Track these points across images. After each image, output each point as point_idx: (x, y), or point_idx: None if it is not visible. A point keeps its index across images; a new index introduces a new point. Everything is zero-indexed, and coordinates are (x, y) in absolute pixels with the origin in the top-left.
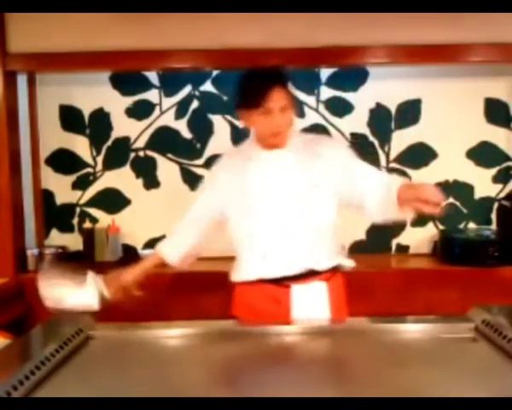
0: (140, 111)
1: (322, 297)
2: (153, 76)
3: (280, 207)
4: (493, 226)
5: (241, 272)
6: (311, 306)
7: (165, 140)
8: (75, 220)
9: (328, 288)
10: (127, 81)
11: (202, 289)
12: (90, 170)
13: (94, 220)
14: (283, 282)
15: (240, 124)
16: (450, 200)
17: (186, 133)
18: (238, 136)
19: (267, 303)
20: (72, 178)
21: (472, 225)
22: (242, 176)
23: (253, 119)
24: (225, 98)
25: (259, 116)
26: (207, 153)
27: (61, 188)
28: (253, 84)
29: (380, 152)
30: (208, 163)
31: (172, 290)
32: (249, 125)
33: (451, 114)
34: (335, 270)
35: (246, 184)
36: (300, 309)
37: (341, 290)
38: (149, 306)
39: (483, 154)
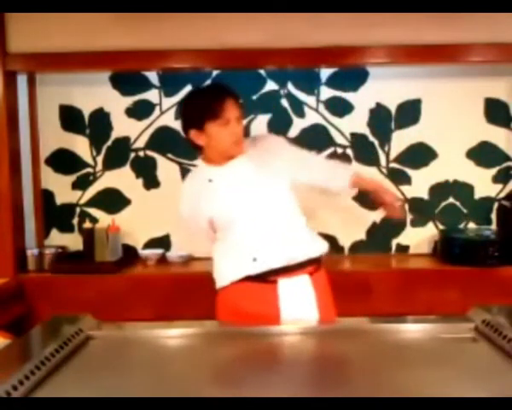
0: (140, 111)
1: (307, 291)
2: (153, 76)
3: (256, 211)
4: (493, 226)
5: (226, 275)
6: (298, 301)
7: (165, 140)
8: (75, 220)
9: (313, 282)
10: (127, 81)
11: (202, 290)
12: (90, 170)
13: (94, 220)
14: (269, 277)
15: (195, 144)
16: (451, 200)
17: None
18: None
19: (254, 303)
20: (72, 178)
21: (472, 225)
22: (209, 196)
23: (212, 131)
24: None
25: (219, 127)
26: None
27: (61, 188)
28: (206, 98)
29: (380, 152)
30: None
31: (172, 290)
32: (207, 142)
33: (451, 114)
34: (317, 263)
35: (215, 202)
36: (288, 305)
37: (326, 285)
38: (149, 306)
39: (483, 154)
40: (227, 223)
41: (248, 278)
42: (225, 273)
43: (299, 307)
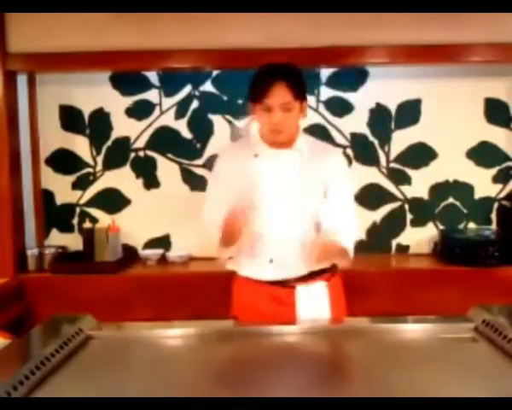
0: (140, 111)
1: (323, 297)
2: (153, 76)
3: (285, 210)
4: (493, 226)
5: (247, 270)
6: (314, 306)
7: (165, 140)
8: (75, 220)
9: (329, 288)
10: (127, 81)
11: (202, 290)
12: (90, 170)
13: (94, 220)
14: (287, 283)
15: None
16: (451, 200)
17: (186, 133)
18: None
19: (270, 304)
20: (72, 178)
21: (472, 225)
22: (248, 172)
23: (257, 113)
24: (225, 98)
25: (260, 111)
26: (207, 153)
27: (61, 188)
28: (258, 78)
29: (380, 152)
30: (208, 163)
31: (172, 290)
32: (256, 119)
33: (451, 114)
34: (335, 270)
35: (251, 181)
36: (304, 309)
37: (341, 290)
38: (149, 306)
39: (483, 154)
40: (250, 209)
41: (266, 282)
42: (241, 263)
43: (315, 312)
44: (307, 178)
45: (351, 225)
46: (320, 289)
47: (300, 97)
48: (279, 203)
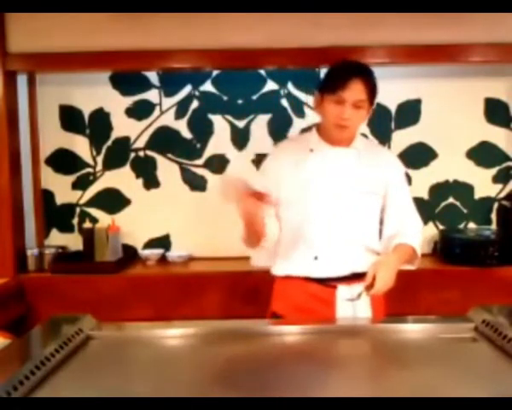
0: (140, 111)
1: (365, 299)
2: (153, 76)
3: (335, 208)
4: (493, 226)
5: (289, 268)
6: (355, 307)
7: (165, 140)
8: (75, 220)
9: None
10: (127, 81)
11: (202, 290)
12: (90, 170)
13: (94, 220)
14: (329, 282)
15: (313, 108)
16: (451, 200)
17: (186, 133)
18: (238, 136)
19: (312, 302)
20: (72, 178)
21: (472, 225)
22: (302, 165)
23: (325, 105)
24: (225, 98)
25: (331, 103)
26: (207, 153)
27: (61, 188)
28: (337, 71)
29: None
30: (208, 163)
31: (172, 290)
32: (321, 111)
33: (451, 114)
34: None
35: (304, 175)
36: (345, 310)
37: (382, 297)
38: (149, 306)
39: (483, 154)
40: (299, 204)
41: (309, 278)
42: (285, 266)
43: (355, 313)
44: (365, 178)
45: (416, 225)
46: (356, 292)
47: (371, 100)
48: (331, 200)
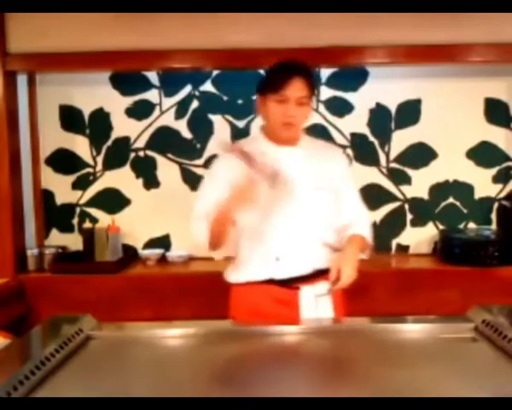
0: (140, 111)
1: (326, 299)
2: (153, 76)
3: (291, 207)
4: (493, 226)
5: (250, 273)
6: (318, 307)
7: (165, 140)
8: (75, 220)
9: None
10: (127, 81)
11: (202, 290)
12: (90, 170)
13: (94, 220)
14: (292, 284)
15: (256, 111)
16: (451, 200)
17: (186, 133)
18: (238, 136)
19: (275, 306)
20: (72, 178)
21: (472, 225)
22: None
23: (268, 105)
24: (225, 98)
25: (275, 102)
26: (207, 153)
27: (61, 188)
28: (276, 71)
29: (380, 152)
30: (208, 163)
31: (172, 290)
32: (264, 113)
33: (451, 114)
34: None
35: (255, 179)
36: (308, 311)
37: (341, 292)
38: (149, 306)
39: (483, 154)
40: (256, 209)
41: (271, 281)
42: (246, 271)
43: (318, 313)
44: (315, 175)
45: (364, 216)
46: (323, 290)
47: (312, 96)
48: (285, 201)
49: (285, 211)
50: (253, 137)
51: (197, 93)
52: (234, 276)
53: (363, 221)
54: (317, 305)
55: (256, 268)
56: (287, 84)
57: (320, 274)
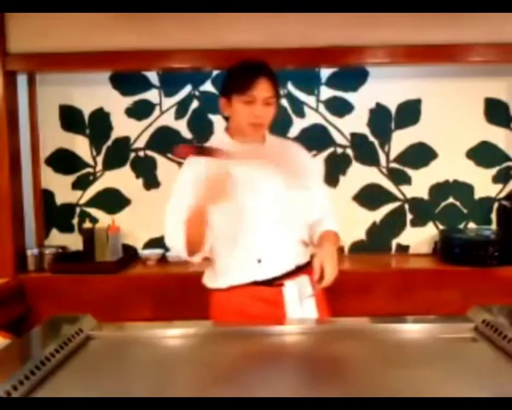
0: (140, 111)
1: (308, 292)
2: (153, 76)
3: (267, 207)
4: (493, 226)
5: (230, 278)
6: (302, 303)
7: (165, 140)
8: (75, 220)
9: (311, 281)
10: (127, 81)
11: (202, 290)
12: (90, 170)
13: (94, 220)
14: (275, 282)
15: (221, 113)
16: (451, 200)
17: (186, 133)
18: None
19: (260, 306)
20: (72, 178)
21: (472, 225)
22: (221, 171)
23: (234, 106)
24: None
25: (242, 103)
26: None
27: (61, 188)
28: (240, 71)
29: (380, 152)
30: None
31: (172, 290)
32: (230, 114)
33: (451, 114)
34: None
35: (225, 181)
36: (292, 306)
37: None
38: (149, 306)
39: (483, 154)
40: (230, 211)
41: (254, 283)
42: (227, 276)
43: (302, 307)
44: (285, 172)
45: (332, 212)
46: (304, 283)
47: (277, 96)
48: (261, 200)
49: (262, 211)
50: (218, 138)
51: (197, 93)
52: (214, 282)
53: (332, 216)
54: (301, 301)
55: (237, 272)
56: (254, 84)
57: (301, 269)
